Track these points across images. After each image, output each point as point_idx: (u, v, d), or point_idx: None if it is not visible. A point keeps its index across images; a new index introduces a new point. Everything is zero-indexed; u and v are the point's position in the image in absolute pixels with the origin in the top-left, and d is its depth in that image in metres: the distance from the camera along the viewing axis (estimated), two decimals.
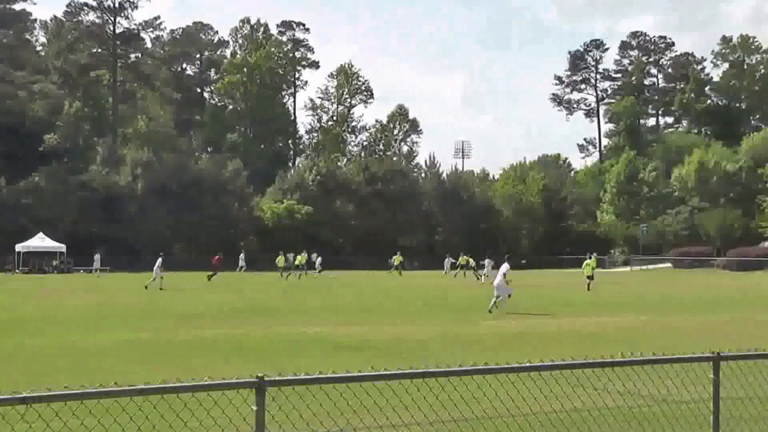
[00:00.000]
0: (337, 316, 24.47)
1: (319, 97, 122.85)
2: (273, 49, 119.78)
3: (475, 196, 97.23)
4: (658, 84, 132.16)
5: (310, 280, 52.83)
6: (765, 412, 8.52)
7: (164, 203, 76.88)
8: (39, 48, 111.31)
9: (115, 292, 37.10)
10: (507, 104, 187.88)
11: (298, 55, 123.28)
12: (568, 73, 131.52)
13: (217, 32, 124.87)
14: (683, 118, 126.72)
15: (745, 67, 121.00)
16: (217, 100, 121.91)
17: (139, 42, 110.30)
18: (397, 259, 57.43)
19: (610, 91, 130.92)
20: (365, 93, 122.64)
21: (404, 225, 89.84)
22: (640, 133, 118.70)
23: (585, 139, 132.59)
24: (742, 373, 7.79)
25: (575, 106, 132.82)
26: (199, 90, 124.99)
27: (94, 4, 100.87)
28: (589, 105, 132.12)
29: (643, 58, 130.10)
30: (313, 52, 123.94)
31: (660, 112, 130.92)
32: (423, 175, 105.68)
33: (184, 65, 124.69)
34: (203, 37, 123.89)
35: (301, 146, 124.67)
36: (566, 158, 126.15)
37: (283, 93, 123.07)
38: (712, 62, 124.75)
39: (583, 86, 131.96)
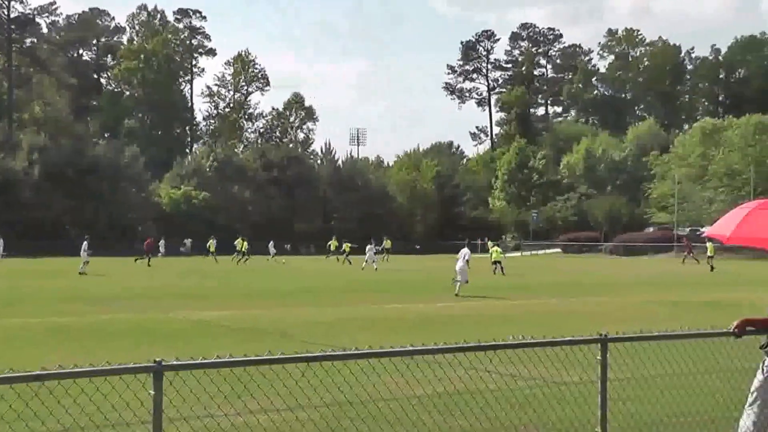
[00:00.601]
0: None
1: (216, 84, 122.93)
2: (170, 35, 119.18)
3: (370, 182, 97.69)
4: (548, 74, 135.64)
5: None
6: (650, 392, 8.77)
7: (61, 188, 75.38)
8: None
9: (17, 277, 35.75)
10: (401, 92, 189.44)
11: (194, 42, 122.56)
12: (461, 62, 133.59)
13: (113, 18, 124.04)
14: (571, 108, 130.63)
15: (630, 59, 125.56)
16: (114, 86, 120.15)
17: (34, 27, 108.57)
18: (346, 246, 57.04)
19: (501, 81, 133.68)
20: (262, 80, 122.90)
21: (300, 211, 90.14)
22: (531, 121, 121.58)
23: (477, 128, 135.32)
24: (629, 354, 7.98)
25: (467, 95, 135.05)
26: (96, 76, 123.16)
27: None
28: (481, 94, 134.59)
29: (533, 49, 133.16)
30: (210, 40, 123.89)
31: (549, 102, 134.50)
32: (319, 161, 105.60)
33: (81, 51, 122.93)
34: (100, 23, 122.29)
35: (198, 133, 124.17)
36: (459, 146, 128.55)
37: (180, 80, 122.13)
38: (598, 54, 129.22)
39: (474, 76, 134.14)
